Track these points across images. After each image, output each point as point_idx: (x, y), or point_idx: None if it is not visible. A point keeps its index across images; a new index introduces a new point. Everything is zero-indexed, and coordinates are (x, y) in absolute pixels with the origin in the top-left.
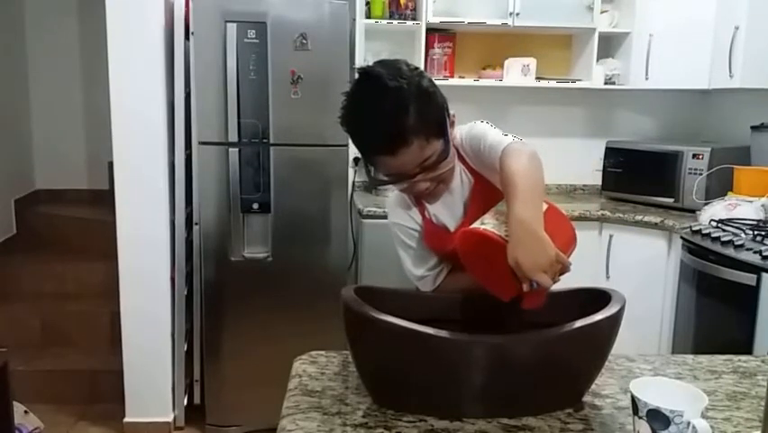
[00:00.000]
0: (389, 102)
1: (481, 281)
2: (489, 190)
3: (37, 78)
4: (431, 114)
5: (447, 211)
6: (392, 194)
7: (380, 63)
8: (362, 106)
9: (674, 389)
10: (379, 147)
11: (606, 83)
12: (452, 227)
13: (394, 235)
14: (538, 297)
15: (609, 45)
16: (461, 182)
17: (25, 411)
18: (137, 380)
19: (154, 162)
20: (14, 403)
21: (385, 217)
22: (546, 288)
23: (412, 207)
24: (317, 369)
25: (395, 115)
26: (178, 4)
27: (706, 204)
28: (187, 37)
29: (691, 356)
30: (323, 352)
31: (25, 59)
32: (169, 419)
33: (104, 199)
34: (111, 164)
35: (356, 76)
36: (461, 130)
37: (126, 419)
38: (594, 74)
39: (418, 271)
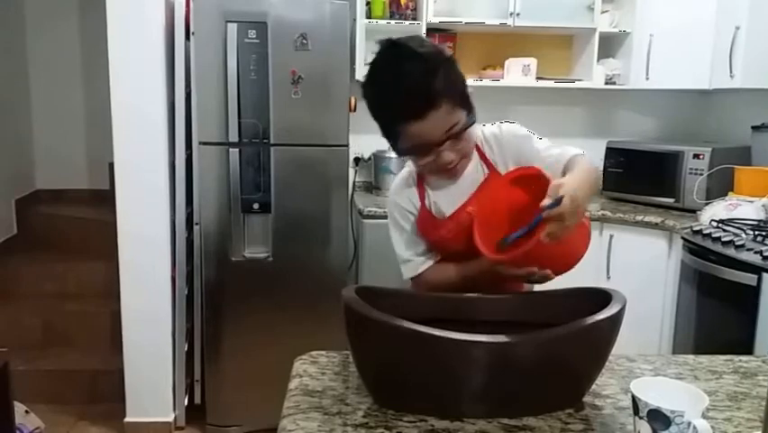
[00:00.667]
0: (419, 65)
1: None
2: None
3: (38, 79)
4: (457, 80)
5: (449, 199)
6: (400, 174)
7: (398, 39)
8: (390, 72)
9: (675, 389)
10: (408, 111)
11: (606, 83)
12: (448, 214)
13: (389, 215)
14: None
15: (610, 45)
16: (474, 171)
17: (26, 411)
18: (138, 380)
19: (155, 162)
20: (15, 403)
21: (385, 218)
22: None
23: (413, 186)
24: (318, 369)
25: (425, 77)
26: (179, 4)
27: (706, 204)
28: (187, 37)
29: (692, 356)
30: (323, 352)
31: (26, 59)
32: (170, 418)
33: (104, 199)
34: (111, 164)
35: (379, 47)
36: (482, 126)
37: (127, 419)
38: (595, 74)
39: (406, 254)
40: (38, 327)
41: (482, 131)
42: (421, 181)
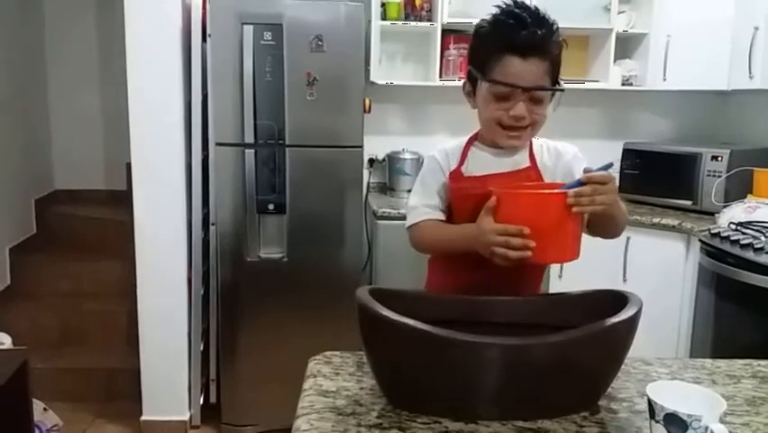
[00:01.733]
0: (540, 15)
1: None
2: (533, 180)
3: (56, 81)
4: (559, 55)
5: (483, 164)
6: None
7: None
8: (514, 12)
9: (692, 393)
10: (518, 43)
11: (623, 84)
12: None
13: (423, 168)
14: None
15: (626, 46)
16: (519, 157)
17: (44, 409)
18: (154, 379)
19: (171, 163)
20: (34, 401)
21: (399, 218)
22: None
23: (458, 150)
24: (332, 369)
25: (548, 22)
26: (196, 7)
27: (725, 206)
28: (204, 39)
29: (710, 360)
30: (337, 352)
31: (44, 61)
32: (185, 417)
33: (121, 200)
34: (128, 165)
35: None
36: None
37: (143, 418)
38: (611, 75)
39: (415, 202)
40: (56, 325)
41: (545, 140)
42: (467, 149)
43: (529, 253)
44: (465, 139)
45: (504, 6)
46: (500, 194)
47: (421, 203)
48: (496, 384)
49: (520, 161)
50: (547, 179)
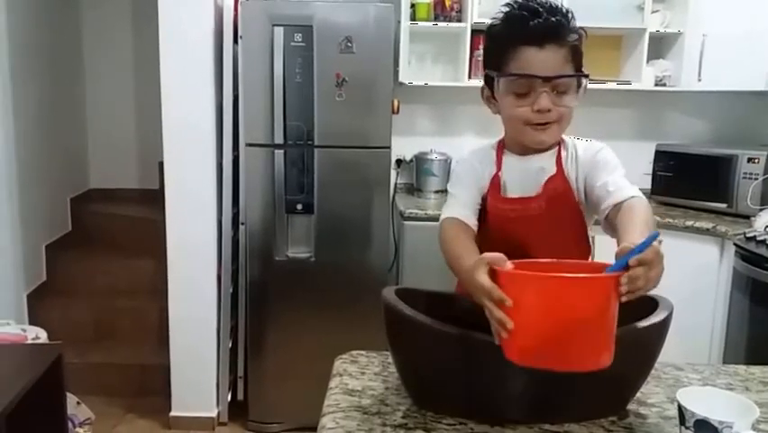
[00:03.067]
0: (556, 7)
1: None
2: (561, 191)
3: (92, 83)
4: (580, 42)
5: (516, 180)
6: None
7: None
8: (526, 2)
9: (724, 399)
10: (533, 32)
11: (656, 84)
12: (510, 196)
13: (454, 173)
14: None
15: (660, 46)
16: (547, 162)
17: (78, 402)
18: (183, 375)
19: (203, 163)
20: (68, 394)
21: (426, 219)
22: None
23: (493, 155)
24: (358, 369)
25: (561, 10)
26: (228, 9)
27: (761, 210)
28: (235, 41)
29: (743, 367)
30: (363, 352)
31: (82, 64)
32: (213, 414)
33: (153, 199)
34: (161, 164)
35: None
36: (577, 140)
37: (172, 414)
38: (644, 75)
39: (456, 191)
40: (89, 321)
41: (573, 140)
42: (500, 152)
43: (504, 335)
44: (493, 142)
45: (513, 2)
46: (523, 277)
47: (459, 199)
48: (522, 387)
49: (548, 168)
50: (574, 187)
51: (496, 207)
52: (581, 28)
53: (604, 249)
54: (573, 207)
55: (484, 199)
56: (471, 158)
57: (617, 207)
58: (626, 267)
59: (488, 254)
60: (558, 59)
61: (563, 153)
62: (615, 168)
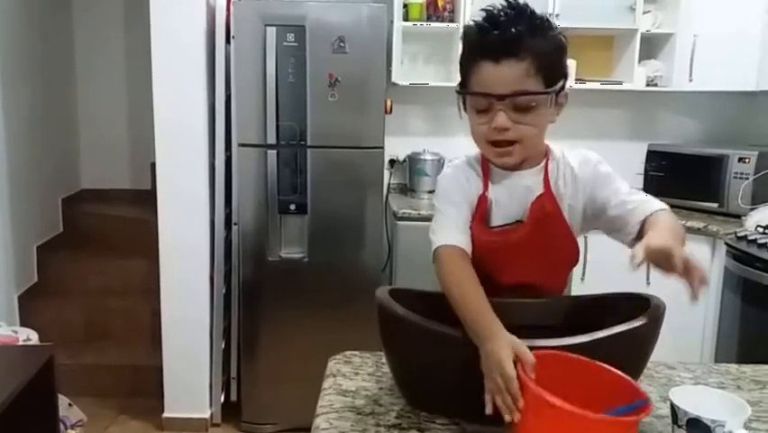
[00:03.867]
0: (528, 16)
1: None
2: (548, 210)
3: (84, 83)
4: (552, 52)
5: (507, 202)
6: (461, 159)
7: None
8: (489, 11)
9: (716, 398)
10: (488, 46)
11: (648, 85)
12: (494, 223)
13: (441, 189)
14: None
15: (652, 46)
16: (532, 182)
17: (69, 404)
18: (176, 376)
19: (195, 164)
20: (59, 396)
21: (419, 219)
22: None
23: (478, 172)
24: (351, 369)
25: (520, 21)
26: (220, 9)
27: (752, 209)
28: (227, 41)
29: (735, 365)
30: (357, 352)
31: (73, 63)
32: (206, 415)
33: (146, 199)
34: (153, 165)
35: None
36: (567, 152)
37: (165, 415)
38: (636, 76)
39: (440, 222)
40: (81, 322)
41: (563, 153)
42: (485, 168)
43: (507, 418)
44: (475, 153)
45: (486, 8)
46: (547, 404)
47: (447, 225)
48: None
49: (534, 186)
50: (565, 206)
51: (480, 237)
52: (560, 34)
53: (598, 249)
54: (561, 225)
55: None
56: (458, 173)
57: (644, 221)
58: (645, 404)
59: (515, 341)
60: (516, 73)
61: (551, 168)
62: (616, 178)
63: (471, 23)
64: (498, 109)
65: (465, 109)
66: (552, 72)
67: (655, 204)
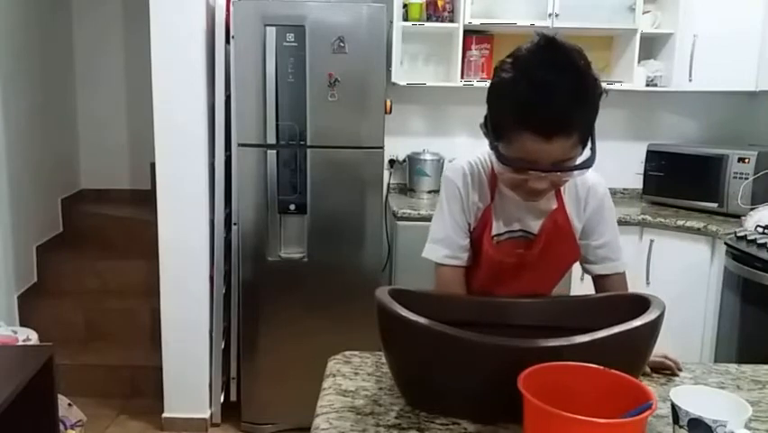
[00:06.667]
0: (575, 81)
1: None
2: (560, 224)
3: (85, 83)
4: (594, 114)
5: (513, 209)
6: (470, 158)
7: (558, 38)
8: (539, 77)
9: (716, 398)
10: (541, 126)
11: (647, 85)
12: (498, 232)
13: (447, 191)
14: None
15: (651, 46)
16: (545, 198)
17: (69, 404)
18: (175, 377)
19: (195, 164)
20: (59, 396)
21: (419, 219)
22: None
23: (486, 185)
24: (351, 369)
25: (575, 100)
26: (220, 9)
27: (752, 209)
28: (227, 41)
29: (735, 365)
30: (356, 352)
31: (72, 63)
32: (206, 415)
33: (145, 199)
34: (153, 165)
35: (535, 39)
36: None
37: (164, 415)
38: (635, 76)
39: (440, 235)
40: (81, 322)
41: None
42: (494, 182)
43: None
44: (480, 167)
45: (529, 56)
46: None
47: (445, 241)
48: (515, 387)
49: (548, 201)
50: (574, 218)
51: (489, 254)
52: (604, 91)
53: None
54: (570, 240)
55: (474, 229)
56: (463, 182)
57: (608, 277)
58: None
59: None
60: (566, 147)
61: (566, 184)
62: (613, 219)
63: (509, 71)
64: (540, 177)
65: (490, 135)
66: (591, 129)
67: (621, 264)
